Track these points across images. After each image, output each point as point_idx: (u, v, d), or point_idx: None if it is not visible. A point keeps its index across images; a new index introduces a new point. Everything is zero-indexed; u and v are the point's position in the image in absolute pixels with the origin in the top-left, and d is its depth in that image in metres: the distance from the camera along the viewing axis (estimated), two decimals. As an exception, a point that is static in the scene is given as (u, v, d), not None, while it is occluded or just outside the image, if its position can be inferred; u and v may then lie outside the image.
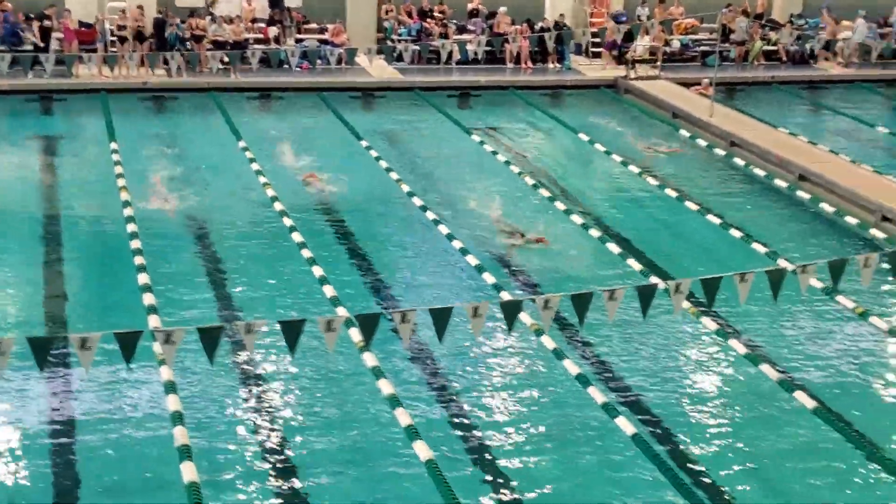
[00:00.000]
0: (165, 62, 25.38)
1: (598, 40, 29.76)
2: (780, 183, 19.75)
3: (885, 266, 13.22)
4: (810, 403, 11.59)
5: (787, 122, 24.11)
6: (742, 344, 13.09)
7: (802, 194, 19.05)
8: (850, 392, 12.31)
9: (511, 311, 10.10)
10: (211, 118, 23.71)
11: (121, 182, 18.48)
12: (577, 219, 17.49)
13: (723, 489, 10.35)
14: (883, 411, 11.95)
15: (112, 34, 26.50)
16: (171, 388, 11.35)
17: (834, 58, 30.47)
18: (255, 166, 19.72)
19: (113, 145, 20.82)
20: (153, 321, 12.92)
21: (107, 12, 27.04)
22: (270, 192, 18.17)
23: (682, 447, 11.07)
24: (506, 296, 13.66)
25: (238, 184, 19.17)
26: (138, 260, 14.94)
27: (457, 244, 16.07)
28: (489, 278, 14.73)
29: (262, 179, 18.93)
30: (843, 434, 11.06)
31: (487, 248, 16.48)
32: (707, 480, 10.47)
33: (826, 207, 18.32)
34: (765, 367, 12.41)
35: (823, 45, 27.55)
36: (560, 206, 18.13)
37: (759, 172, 20.40)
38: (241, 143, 21.20)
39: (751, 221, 17.73)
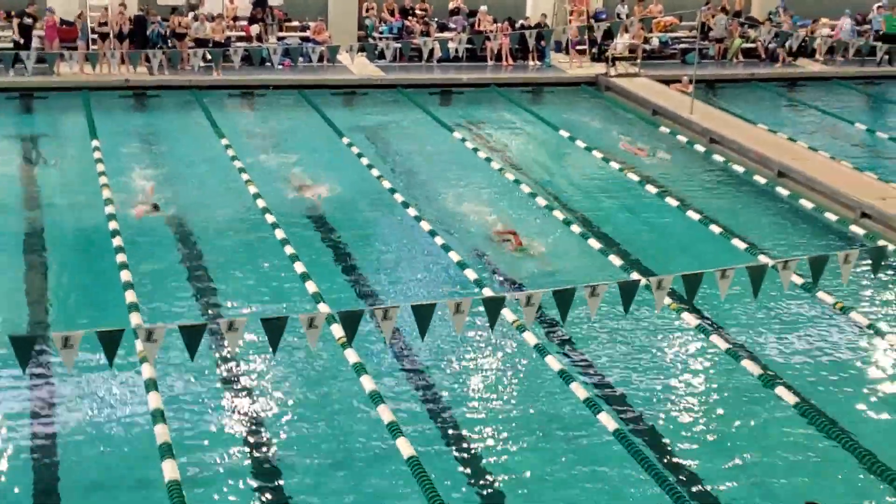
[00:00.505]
0: (147, 60, 25.30)
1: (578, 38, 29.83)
2: (760, 179, 19.86)
3: (865, 262, 13.33)
4: (791, 399, 11.67)
5: (767, 118, 24.23)
6: (723, 339, 13.16)
7: (782, 191, 19.16)
8: (831, 387, 12.39)
9: (493, 308, 10.14)
10: (193, 116, 23.67)
11: (102, 180, 18.42)
12: (558, 215, 17.54)
13: (704, 484, 10.41)
14: (863, 406, 12.03)
15: (93, 32, 26.41)
16: (152, 385, 11.34)
17: (812, 55, 30.66)
18: (237, 164, 19.70)
19: (94, 143, 20.76)
20: (135, 319, 12.90)
21: (88, 10, 26.92)
22: (252, 190, 18.16)
23: (663, 442, 11.12)
24: (488, 292, 13.70)
25: (220, 181, 19.15)
26: (120, 258, 14.90)
27: (439, 241, 16.10)
28: (471, 275, 14.76)
29: (245, 177, 18.91)
30: (824, 430, 11.14)
31: (470, 244, 16.51)
32: (688, 475, 10.53)
33: (806, 204, 18.43)
34: (746, 363, 12.49)
35: (800, 43, 27.74)
36: (541, 202, 18.18)
37: (739, 169, 20.51)
38: (224, 141, 21.18)
39: (731, 217, 17.83)
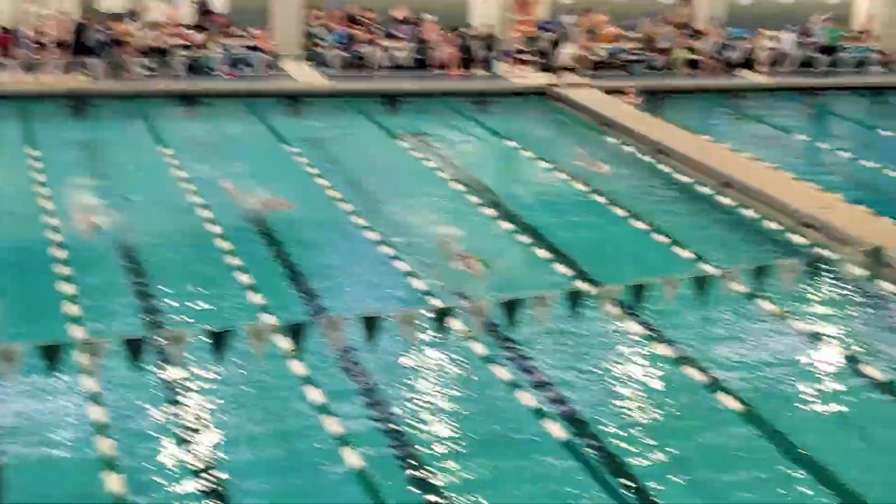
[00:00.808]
0: (87, 67, 24.98)
1: (524, 48, 29.98)
2: (705, 189, 20.06)
3: (806, 271, 13.51)
4: (734, 405, 11.78)
5: (711, 129, 24.51)
6: (668, 347, 13.27)
7: (726, 200, 19.37)
8: (773, 393, 12.53)
9: (442, 318, 10.12)
10: (135, 124, 23.40)
11: (40, 190, 18.14)
12: (506, 225, 17.58)
13: (651, 493, 10.46)
14: (804, 412, 12.17)
15: (32, 39, 26.03)
16: (95, 398, 11.17)
17: (754, 67, 31.10)
18: (180, 173, 19.51)
19: (32, 152, 20.43)
20: (77, 332, 12.71)
21: (31, 19, 26.53)
22: (196, 200, 17.99)
23: (610, 451, 11.16)
24: (437, 303, 13.67)
25: (163, 192, 18.94)
26: (60, 269, 14.68)
27: (387, 250, 16.06)
28: (421, 285, 14.73)
29: (187, 187, 18.72)
30: (766, 435, 11.25)
31: (417, 254, 16.48)
32: (635, 484, 10.58)
33: (749, 213, 18.65)
34: (690, 370, 12.59)
35: (745, 55, 28.15)
36: (489, 212, 18.21)
37: (685, 179, 20.71)
38: (166, 150, 20.96)
39: (676, 227, 17.98)
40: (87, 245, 16.14)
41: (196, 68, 25.64)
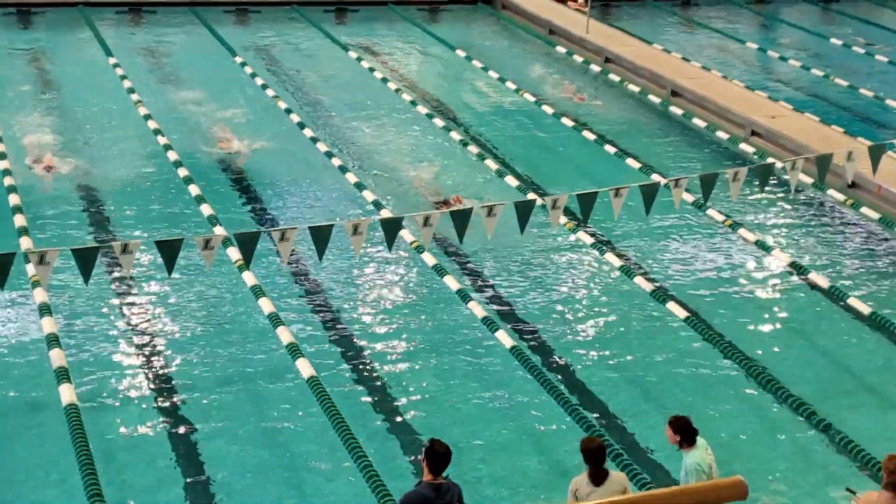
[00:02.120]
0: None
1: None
2: (654, 98, 20.10)
3: (754, 180, 13.66)
4: (682, 313, 11.99)
5: (661, 38, 24.44)
6: (616, 257, 13.42)
7: (675, 110, 19.43)
8: (720, 301, 12.77)
9: (391, 229, 10.13)
10: (80, 34, 22.86)
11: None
12: (455, 135, 17.54)
13: (597, 396, 10.68)
14: (749, 319, 12.43)
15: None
16: (46, 310, 11.13)
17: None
18: (126, 83, 19.17)
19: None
20: (25, 243, 12.60)
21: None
22: (142, 111, 17.73)
23: (557, 357, 11.36)
24: (386, 213, 13.69)
25: (110, 104, 18.62)
26: (7, 181, 14.49)
27: (335, 162, 15.99)
28: (369, 196, 14.73)
29: (134, 97, 18.43)
30: (712, 342, 11.49)
31: (367, 166, 16.44)
32: (582, 389, 10.80)
33: (698, 122, 18.74)
34: (638, 279, 12.77)
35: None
36: (438, 122, 18.15)
37: (634, 88, 20.71)
38: (112, 60, 20.55)
39: (624, 137, 18.06)
40: (36, 155, 15.93)
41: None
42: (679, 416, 7.99)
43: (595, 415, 10.23)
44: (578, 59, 22.68)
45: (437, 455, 7.08)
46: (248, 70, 20.41)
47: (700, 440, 7.94)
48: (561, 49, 23.45)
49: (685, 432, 7.84)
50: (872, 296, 12.81)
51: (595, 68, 22.06)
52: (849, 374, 11.42)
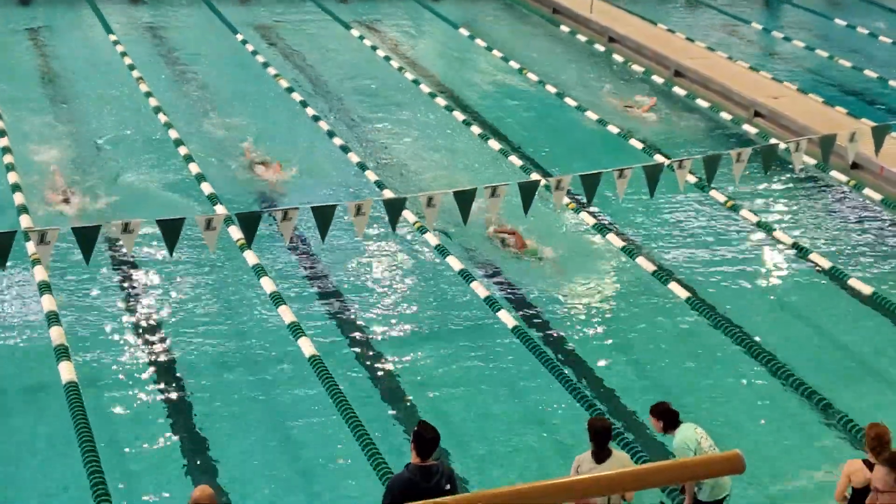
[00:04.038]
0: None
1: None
2: (657, 79, 20.01)
3: (757, 161, 13.62)
4: (683, 293, 11.97)
5: (665, 18, 24.32)
6: (619, 238, 13.40)
7: (678, 90, 19.36)
8: (721, 281, 12.75)
9: (394, 209, 10.10)
10: (82, 12, 22.76)
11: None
12: (458, 115, 17.49)
13: (599, 375, 10.69)
14: (750, 299, 12.42)
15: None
16: (46, 288, 11.13)
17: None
18: (126, 60, 19.11)
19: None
20: (25, 221, 12.58)
21: None
22: (143, 88, 17.67)
23: (559, 337, 11.35)
24: (389, 194, 13.66)
25: (111, 79, 18.57)
26: (7, 159, 14.47)
27: (338, 142, 15.95)
28: (372, 176, 14.70)
29: (135, 74, 18.37)
30: (713, 322, 11.48)
31: (370, 145, 16.41)
32: (583, 368, 10.80)
33: (701, 103, 18.67)
34: (640, 259, 12.75)
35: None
36: (441, 102, 18.09)
37: (637, 68, 20.63)
38: (112, 38, 20.47)
39: (628, 117, 17.99)
40: (34, 131, 15.89)
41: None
42: (658, 403, 8.21)
43: (597, 394, 10.23)
44: (582, 38, 22.59)
45: (425, 440, 7.05)
46: (249, 48, 20.33)
47: (689, 423, 8.03)
48: (565, 28, 23.35)
49: (666, 417, 8.05)
50: (874, 276, 12.80)
51: (599, 48, 21.97)
52: (849, 354, 11.42)
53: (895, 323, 11.79)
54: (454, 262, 12.36)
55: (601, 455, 7.51)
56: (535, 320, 11.66)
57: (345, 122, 17.35)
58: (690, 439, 7.88)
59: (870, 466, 7.57)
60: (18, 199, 13.35)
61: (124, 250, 10.87)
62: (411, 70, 19.89)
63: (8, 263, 8.99)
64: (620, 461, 7.55)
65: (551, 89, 18.98)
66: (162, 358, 10.70)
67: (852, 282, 12.37)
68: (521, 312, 11.72)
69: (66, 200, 13.71)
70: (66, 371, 9.74)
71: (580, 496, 3.45)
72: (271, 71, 19.05)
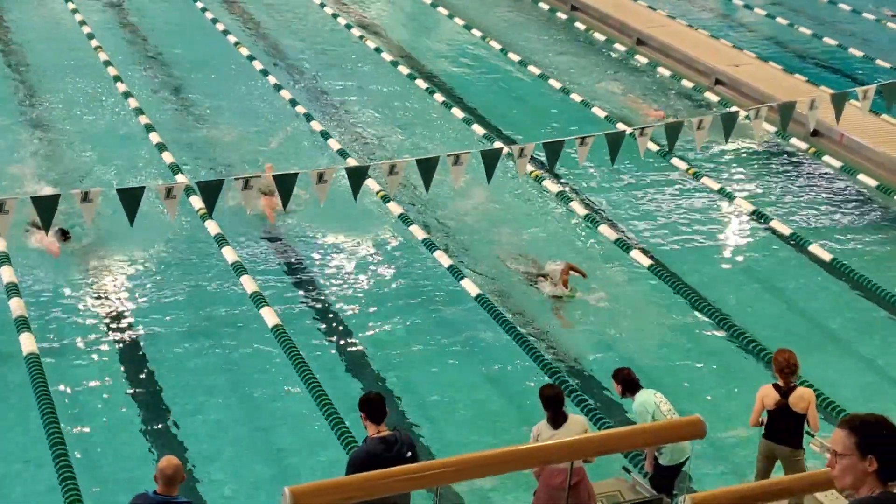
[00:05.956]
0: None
1: None
2: (620, 47, 20.01)
3: (718, 128, 13.68)
4: (646, 261, 12.04)
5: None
6: (582, 205, 13.43)
7: (640, 58, 19.37)
8: (683, 248, 12.83)
9: (357, 177, 10.06)
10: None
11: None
12: (420, 83, 17.41)
13: (560, 341, 10.74)
14: (712, 266, 12.52)
15: None
16: (5, 259, 11.01)
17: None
18: (84, 29, 18.85)
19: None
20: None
21: None
22: (103, 57, 17.45)
23: (521, 305, 11.39)
24: (352, 161, 13.61)
25: (70, 53, 18.32)
26: None
27: (300, 109, 15.85)
28: (334, 145, 14.63)
29: (94, 43, 18.13)
30: (675, 288, 11.56)
31: (331, 115, 16.31)
32: (546, 337, 10.85)
33: (663, 71, 18.70)
34: (603, 228, 12.78)
35: None
36: (404, 70, 18.00)
37: (600, 37, 20.61)
38: (71, 5, 20.16)
39: (589, 86, 17.98)
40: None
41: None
42: (620, 369, 8.39)
43: (557, 358, 10.29)
44: (544, 6, 22.52)
45: (372, 403, 7.02)
46: (209, 16, 20.10)
47: (648, 389, 8.14)
48: (527, -4, 23.24)
49: (626, 382, 8.21)
50: (834, 243, 12.92)
51: (561, 16, 21.91)
52: (809, 320, 11.54)
53: (854, 289, 11.93)
54: (417, 232, 12.35)
55: (557, 420, 7.54)
56: (497, 287, 11.69)
57: (307, 91, 17.23)
58: (649, 403, 7.98)
59: (778, 389, 8.02)
60: None
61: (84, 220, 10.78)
62: (373, 38, 19.76)
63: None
64: (579, 424, 7.58)
65: (514, 57, 18.93)
66: (123, 327, 10.63)
67: (813, 248, 12.48)
68: (482, 281, 11.73)
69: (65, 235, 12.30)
70: (27, 342, 9.66)
71: (543, 462, 3.48)
72: (231, 39, 18.85)
